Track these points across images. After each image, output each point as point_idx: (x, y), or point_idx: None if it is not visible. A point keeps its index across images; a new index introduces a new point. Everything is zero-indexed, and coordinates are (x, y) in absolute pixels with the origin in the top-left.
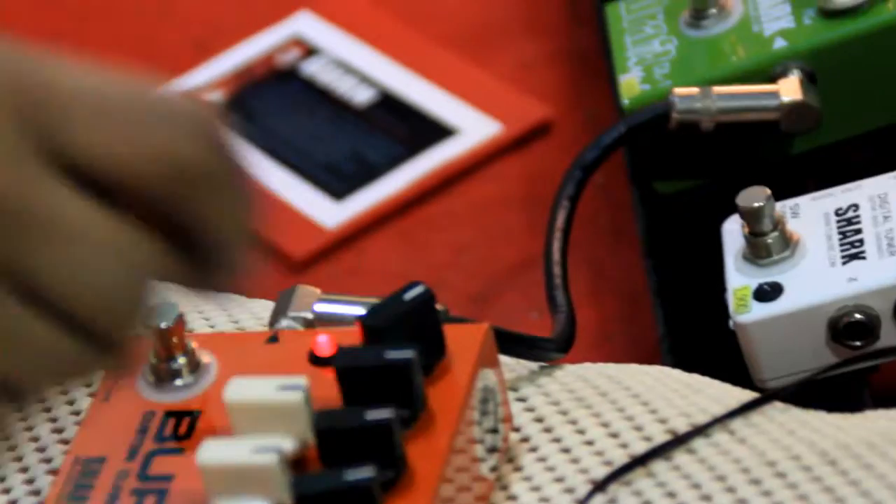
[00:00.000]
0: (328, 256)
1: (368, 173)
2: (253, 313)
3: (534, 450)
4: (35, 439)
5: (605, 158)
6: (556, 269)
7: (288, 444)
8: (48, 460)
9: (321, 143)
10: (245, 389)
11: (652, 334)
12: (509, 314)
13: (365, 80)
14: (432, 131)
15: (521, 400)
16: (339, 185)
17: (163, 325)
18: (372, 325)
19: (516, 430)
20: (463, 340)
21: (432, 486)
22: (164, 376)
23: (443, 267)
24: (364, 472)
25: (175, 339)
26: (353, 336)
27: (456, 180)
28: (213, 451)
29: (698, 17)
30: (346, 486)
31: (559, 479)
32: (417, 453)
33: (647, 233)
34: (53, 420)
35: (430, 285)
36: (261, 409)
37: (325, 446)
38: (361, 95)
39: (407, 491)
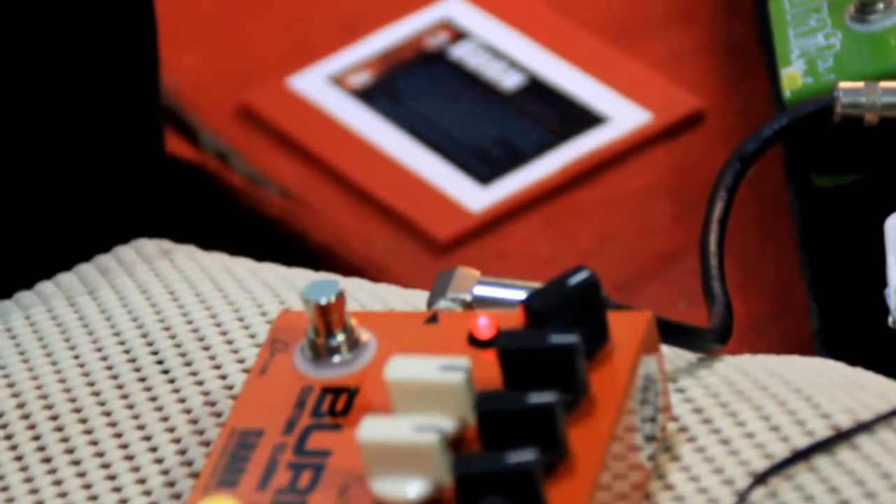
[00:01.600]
0: (473, 240)
1: (515, 159)
2: (407, 301)
3: (692, 440)
4: (187, 411)
5: (765, 151)
6: (713, 261)
7: (448, 425)
8: (201, 432)
9: (468, 127)
10: (406, 368)
11: (804, 328)
12: (656, 304)
13: (513, 65)
14: (581, 118)
15: (680, 391)
16: (485, 169)
17: (323, 300)
18: (535, 309)
19: (674, 419)
20: (626, 327)
21: (593, 472)
22: (322, 352)
23: (588, 254)
24: (526, 456)
25: (335, 316)
26: (512, 319)
27: (604, 168)
28: (373, 429)
29: (864, 11)
30: (507, 469)
31: (718, 471)
32: (578, 438)
33: (802, 227)
34: (206, 393)
35: None
36: (421, 388)
37: (485, 428)
38: (510, 80)
39: (567, 475)
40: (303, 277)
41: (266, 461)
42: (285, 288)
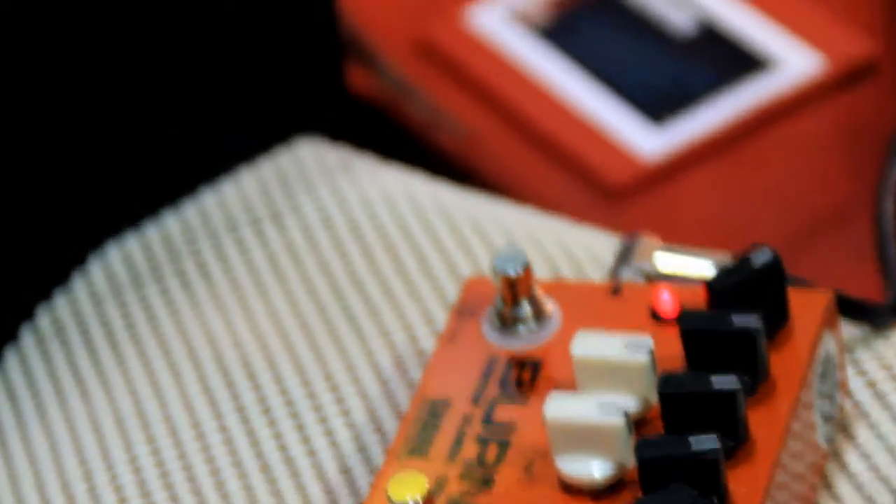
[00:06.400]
0: (642, 186)
1: (687, 103)
2: (586, 246)
3: (866, 417)
4: (376, 368)
5: None
6: (889, 227)
7: (632, 404)
8: (389, 392)
9: (641, 71)
10: (592, 345)
11: None
12: (825, 260)
13: (686, 7)
14: (752, 63)
15: (855, 366)
16: (657, 113)
17: (512, 272)
18: (719, 290)
19: (849, 396)
20: (806, 307)
21: (772, 457)
22: (508, 322)
23: (756, 206)
24: (709, 443)
25: (522, 287)
26: (695, 294)
27: (774, 116)
28: (560, 407)
29: None
30: (691, 456)
31: (891, 450)
32: (758, 421)
33: None
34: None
35: (742, 224)
36: (606, 366)
37: (668, 410)
38: (682, 23)
39: (747, 459)
40: (488, 217)
41: (455, 432)
42: (473, 234)
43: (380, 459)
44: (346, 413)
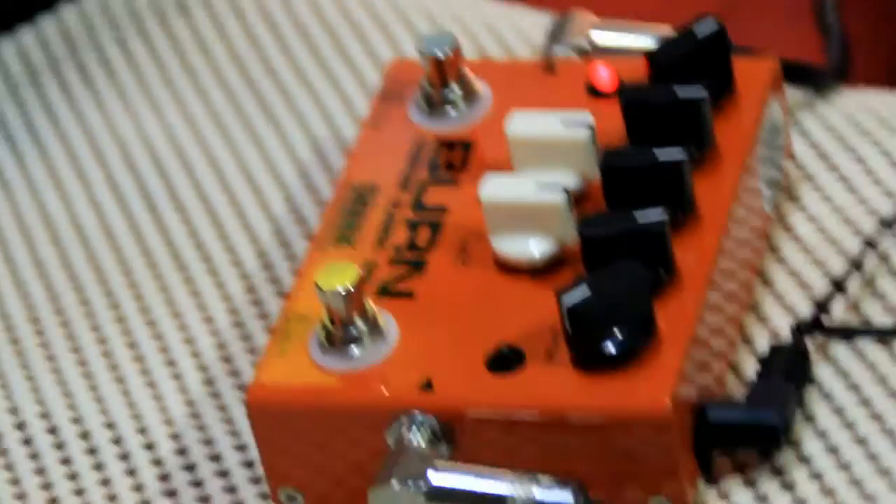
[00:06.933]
0: None
1: None
2: (514, 26)
3: (811, 180)
4: (294, 159)
5: None
6: None
7: (571, 182)
8: (310, 185)
9: None
10: (528, 124)
11: None
12: (760, 22)
13: None
14: None
15: (799, 129)
16: None
17: (439, 53)
18: (661, 62)
19: (794, 161)
20: (751, 75)
21: (720, 224)
22: (437, 105)
23: None
24: (656, 215)
25: (451, 69)
26: (633, 67)
27: None
28: (496, 187)
29: None
30: (638, 229)
31: (837, 210)
32: (704, 191)
33: None
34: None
35: None
36: (544, 145)
37: (611, 186)
38: None
39: (694, 230)
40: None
41: (383, 218)
42: (395, 19)
43: (301, 248)
44: (265, 205)
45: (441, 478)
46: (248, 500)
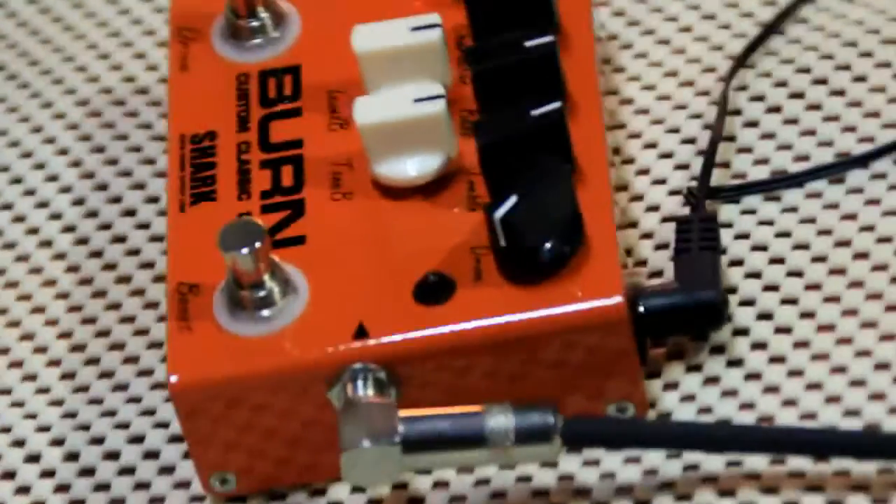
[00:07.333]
0: None
1: None
2: None
3: (628, 47)
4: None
5: None
6: None
7: (440, 90)
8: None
9: None
10: (375, 37)
11: None
12: None
13: None
14: None
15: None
16: None
17: None
18: None
19: (613, 38)
20: None
21: (596, 109)
22: (245, 35)
23: None
24: (551, 105)
25: None
26: None
27: None
28: (370, 110)
29: None
30: (533, 122)
31: (672, 74)
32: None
33: None
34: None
35: None
36: (396, 54)
37: (483, 86)
38: None
39: (573, 118)
40: None
41: (235, 164)
42: None
43: (148, 215)
44: (86, 174)
45: (413, 427)
46: None
